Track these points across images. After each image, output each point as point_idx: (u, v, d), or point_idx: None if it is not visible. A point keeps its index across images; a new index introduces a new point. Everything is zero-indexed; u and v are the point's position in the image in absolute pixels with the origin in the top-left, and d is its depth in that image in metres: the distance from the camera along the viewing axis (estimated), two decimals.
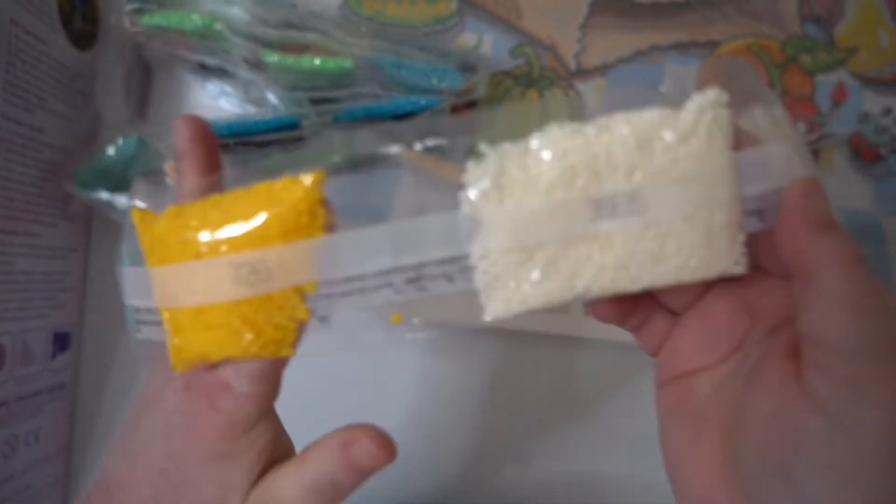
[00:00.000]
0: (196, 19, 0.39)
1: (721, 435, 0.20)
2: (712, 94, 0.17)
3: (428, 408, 0.45)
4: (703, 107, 0.18)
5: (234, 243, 0.18)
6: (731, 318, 0.21)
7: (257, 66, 0.40)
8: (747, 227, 0.18)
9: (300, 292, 0.19)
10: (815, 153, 0.44)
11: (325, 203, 0.19)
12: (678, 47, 0.45)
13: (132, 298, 0.21)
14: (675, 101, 0.18)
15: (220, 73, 0.44)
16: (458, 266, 0.19)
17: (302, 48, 0.40)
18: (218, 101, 0.45)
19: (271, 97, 0.43)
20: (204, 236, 0.19)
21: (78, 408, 0.45)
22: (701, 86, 0.18)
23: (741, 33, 0.45)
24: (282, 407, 0.26)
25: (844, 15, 0.45)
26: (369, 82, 0.41)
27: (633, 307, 0.23)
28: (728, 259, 0.18)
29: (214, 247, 0.19)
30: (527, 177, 0.18)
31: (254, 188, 0.19)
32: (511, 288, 0.19)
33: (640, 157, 0.18)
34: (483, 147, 0.18)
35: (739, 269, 0.19)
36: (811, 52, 0.45)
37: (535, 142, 0.18)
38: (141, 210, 0.21)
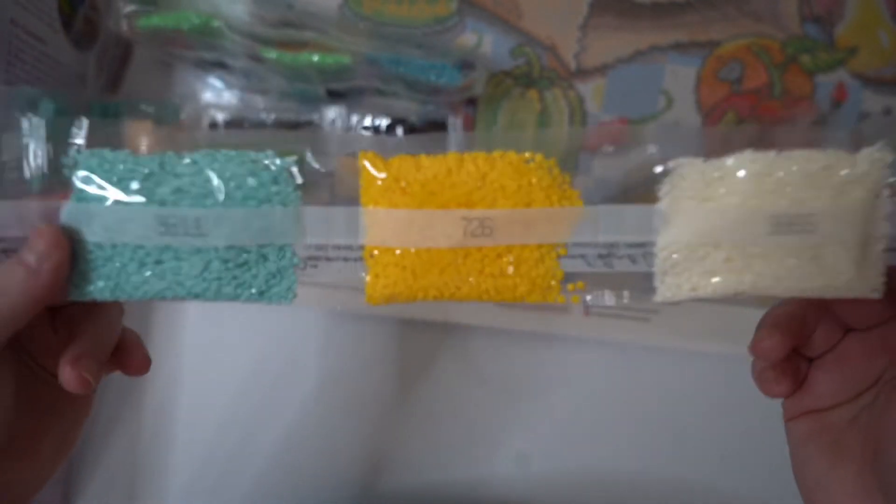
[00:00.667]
0: (194, 18, 0.39)
1: (861, 459, 0.22)
2: (882, 150, 0.22)
3: (427, 407, 0.45)
4: (875, 158, 0.22)
5: (466, 200, 0.22)
6: (868, 359, 0.24)
7: (256, 60, 0.41)
8: (891, 261, 0.22)
9: (552, 251, 0.23)
10: None
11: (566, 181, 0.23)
12: (678, 47, 0.45)
13: (323, 236, 0.23)
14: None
15: (219, 66, 0.44)
16: (644, 251, 0.23)
17: (300, 45, 0.40)
18: (221, 94, 0.45)
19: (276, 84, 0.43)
20: (436, 188, 0.22)
21: None
22: (869, 141, 0.22)
23: (741, 33, 0.45)
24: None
25: (844, 15, 0.45)
26: (369, 77, 0.41)
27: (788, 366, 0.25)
28: (868, 286, 0.22)
29: (448, 200, 0.22)
30: (721, 186, 0.22)
31: (492, 156, 0.23)
32: (685, 277, 0.22)
33: (816, 187, 0.21)
34: (682, 160, 0.22)
35: (877, 294, 0.22)
36: (811, 52, 0.45)
37: (730, 160, 0.22)
38: (373, 153, 0.23)
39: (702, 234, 0.22)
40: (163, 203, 0.22)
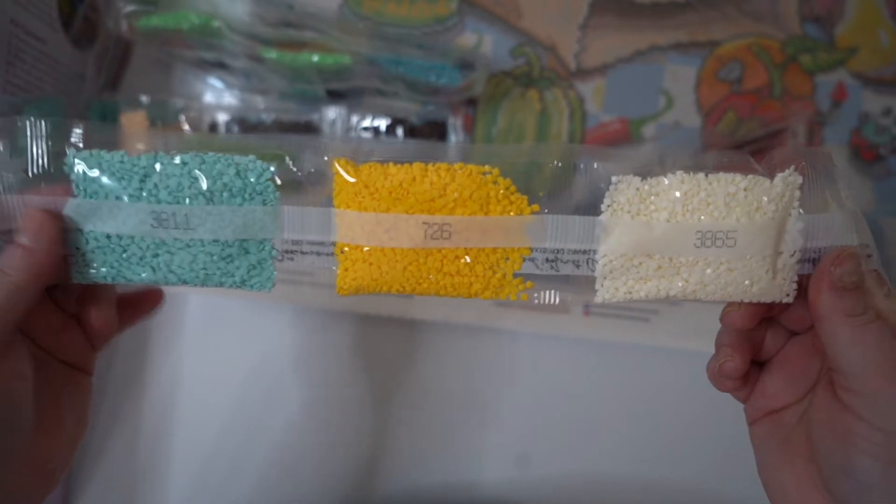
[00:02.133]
0: (193, 18, 0.39)
1: (807, 453, 0.25)
2: (793, 175, 0.25)
3: (427, 407, 0.45)
4: (789, 181, 0.25)
5: (429, 207, 0.25)
6: (806, 360, 0.26)
7: (256, 60, 0.41)
8: (803, 270, 0.25)
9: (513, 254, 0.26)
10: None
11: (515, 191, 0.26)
12: (678, 47, 0.45)
13: (298, 233, 0.26)
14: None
15: (219, 66, 0.44)
16: (586, 257, 0.26)
17: (300, 45, 0.40)
18: (221, 94, 0.45)
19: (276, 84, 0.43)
20: (401, 194, 0.25)
21: None
22: (782, 166, 0.25)
23: (741, 33, 0.45)
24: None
25: (844, 15, 0.45)
26: (369, 77, 0.41)
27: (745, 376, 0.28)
28: (782, 292, 0.25)
29: (411, 205, 0.25)
30: (655, 203, 0.25)
31: (453, 168, 0.25)
32: (622, 281, 0.25)
33: (737, 206, 0.25)
34: (620, 177, 0.25)
35: (789, 299, 0.25)
36: (811, 52, 0.45)
37: (665, 180, 0.25)
38: (345, 160, 0.25)
39: (636, 245, 0.25)
40: (156, 200, 0.25)
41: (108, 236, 0.25)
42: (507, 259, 0.26)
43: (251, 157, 0.25)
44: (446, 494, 0.45)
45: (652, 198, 0.25)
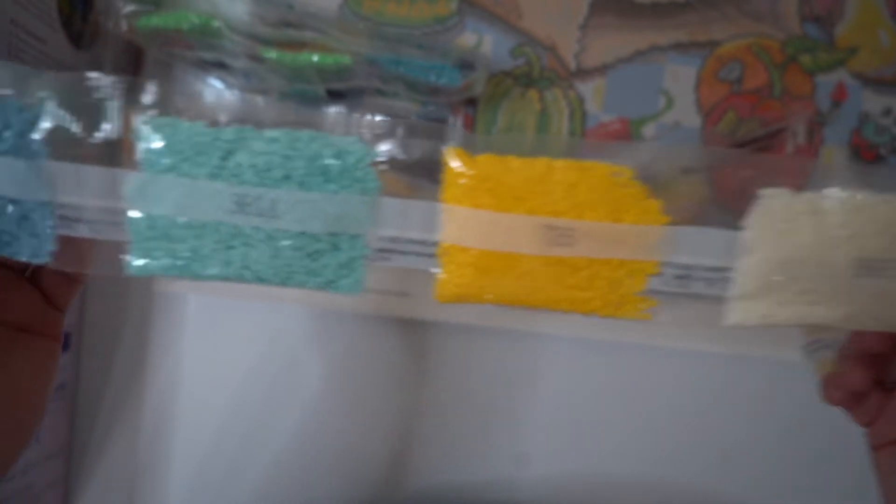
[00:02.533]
0: (193, 18, 0.39)
1: None
2: None
3: (425, 406, 0.45)
4: None
5: (552, 209, 0.22)
6: None
7: (256, 60, 0.41)
8: None
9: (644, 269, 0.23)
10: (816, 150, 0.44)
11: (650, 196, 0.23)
12: (678, 47, 0.45)
13: (398, 228, 0.22)
14: None
15: (219, 66, 0.44)
16: (721, 275, 0.23)
17: (300, 45, 0.40)
18: (221, 95, 0.45)
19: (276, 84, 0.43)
20: (523, 192, 0.22)
21: (78, 408, 0.45)
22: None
23: (741, 33, 0.45)
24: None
25: (844, 15, 0.45)
26: (369, 77, 0.41)
27: (864, 395, 0.26)
28: None
29: (532, 205, 0.22)
30: (807, 222, 0.22)
31: (582, 165, 0.22)
32: (760, 304, 0.23)
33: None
34: (771, 190, 0.22)
35: None
36: (811, 52, 0.45)
37: (819, 197, 0.22)
38: (460, 149, 0.22)
39: (782, 266, 0.22)
40: (239, 181, 0.21)
41: (177, 221, 0.22)
42: (633, 272, 0.23)
43: (354, 137, 0.22)
44: (445, 495, 0.45)
45: (804, 217, 0.22)
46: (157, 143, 0.21)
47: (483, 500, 0.45)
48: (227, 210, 0.21)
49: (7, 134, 0.21)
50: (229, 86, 0.45)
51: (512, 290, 0.23)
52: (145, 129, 0.21)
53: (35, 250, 0.22)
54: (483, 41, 0.45)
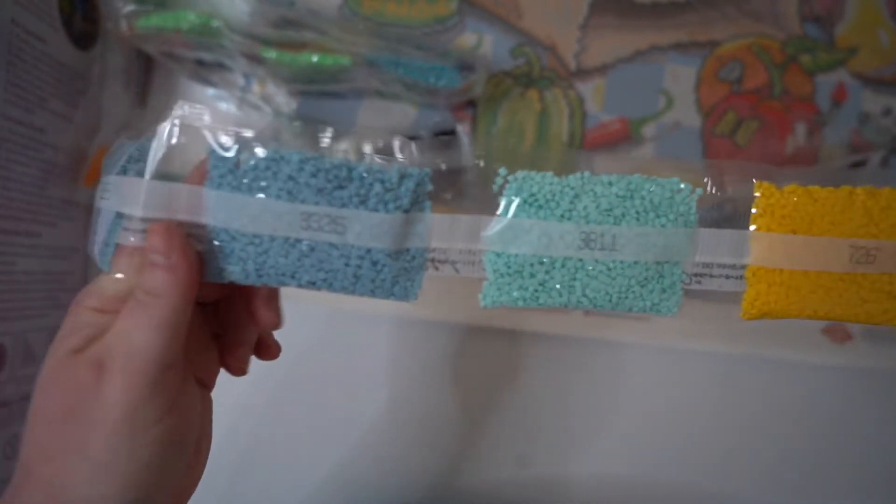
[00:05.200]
0: (193, 18, 0.39)
1: None
2: None
3: (426, 407, 0.45)
4: None
5: (855, 231, 0.25)
6: None
7: (255, 60, 0.41)
8: None
9: None
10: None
11: None
12: (678, 47, 0.45)
13: (711, 255, 0.26)
14: None
15: (219, 67, 0.44)
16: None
17: (300, 46, 0.40)
18: (216, 103, 0.45)
19: (265, 101, 0.43)
20: (832, 218, 0.25)
21: None
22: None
23: (741, 33, 0.45)
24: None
25: (844, 15, 0.45)
26: (368, 79, 0.41)
27: None
28: None
29: (838, 229, 0.25)
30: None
31: (882, 194, 0.25)
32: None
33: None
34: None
35: None
36: (811, 52, 0.45)
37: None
38: (768, 184, 0.25)
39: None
40: (585, 220, 0.25)
41: (530, 258, 0.25)
42: None
43: (675, 179, 0.25)
44: (445, 495, 0.45)
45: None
46: (521, 194, 0.24)
47: (482, 500, 0.45)
48: (576, 246, 0.25)
49: (404, 191, 0.24)
50: (226, 99, 0.45)
51: (816, 305, 0.26)
52: (512, 183, 0.24)
53: (407, 292, 0.25)
54: (483, 41, 0.45)
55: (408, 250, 0.25)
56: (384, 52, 0.40)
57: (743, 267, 0.26)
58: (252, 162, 0.23)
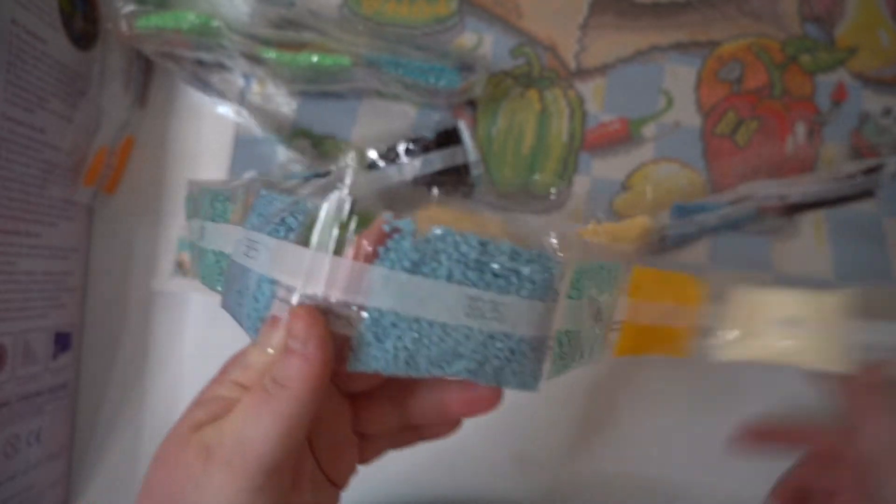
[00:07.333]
0: (192, 17, 0.39)
1: None
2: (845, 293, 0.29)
3: None
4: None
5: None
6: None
7: (255, 60, 0.41)
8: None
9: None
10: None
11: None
12: (678, 47, 0.45)
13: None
14: None
15: (219, 67, 0.44)
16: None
17: (300, 46, 0.40)
18: (216, 109, 0.45)
19: (265, 101, 0.43)
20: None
21: (79, 408, 0.45)
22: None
23: (741, 33, 0.45)
24: None
25: (844, 15, 0.45)
26: (368, 79, 0.41)
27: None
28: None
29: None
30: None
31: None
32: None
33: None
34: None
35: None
36: (811, 52, 0.45)
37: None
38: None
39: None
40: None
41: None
42: None
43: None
44: (445, 496, 0.45)
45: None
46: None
47: (483, 500, 0.45)
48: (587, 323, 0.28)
49: (540, 281, 0.22)
50: (225, 104, 0.45)
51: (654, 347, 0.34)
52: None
53: (524, 381, 0.24)
54: (483, 41, 0.45)
55: (540, 339, 0.23)
56: (384, 53, 0.40)
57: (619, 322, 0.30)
58: (429, 240, 0.21)
